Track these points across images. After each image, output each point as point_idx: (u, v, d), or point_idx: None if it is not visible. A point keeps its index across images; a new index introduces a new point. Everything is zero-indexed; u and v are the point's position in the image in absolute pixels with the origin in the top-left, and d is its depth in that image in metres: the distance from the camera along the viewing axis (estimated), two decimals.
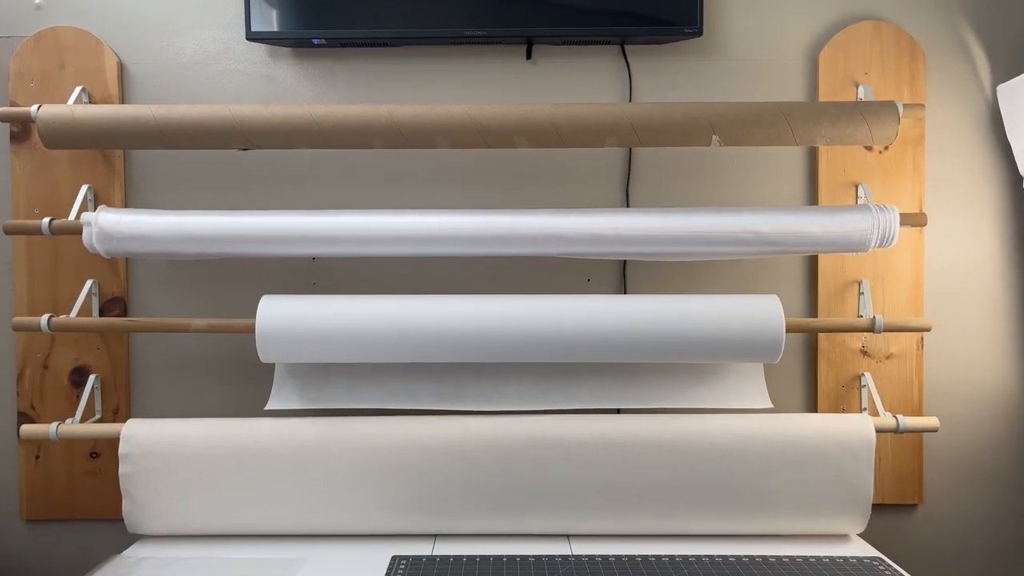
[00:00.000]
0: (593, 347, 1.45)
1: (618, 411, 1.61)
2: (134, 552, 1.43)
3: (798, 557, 1.39)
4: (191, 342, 1.64)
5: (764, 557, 1.39)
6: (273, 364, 1.57)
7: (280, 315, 1.44)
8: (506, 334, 1.44)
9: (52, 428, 1.47)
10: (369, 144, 1.48)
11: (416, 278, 1.65)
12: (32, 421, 1.60)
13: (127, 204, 1.63)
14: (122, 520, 1.60)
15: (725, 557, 1.39)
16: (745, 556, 1.40)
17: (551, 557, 1.39)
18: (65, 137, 1.47)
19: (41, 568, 1.63)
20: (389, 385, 1.55)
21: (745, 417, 1.49)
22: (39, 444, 1.61)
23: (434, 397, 1.54)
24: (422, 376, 1.55)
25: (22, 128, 1.60)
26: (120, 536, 1.62)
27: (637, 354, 1.46)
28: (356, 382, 1.54)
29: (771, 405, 1.54)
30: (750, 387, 1.56)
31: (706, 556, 1.40)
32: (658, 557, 1.39)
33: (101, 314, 1.61)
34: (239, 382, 1.63)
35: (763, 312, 1.45)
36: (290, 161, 1.63)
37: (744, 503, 1.47)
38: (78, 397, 1.60)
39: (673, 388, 1.55)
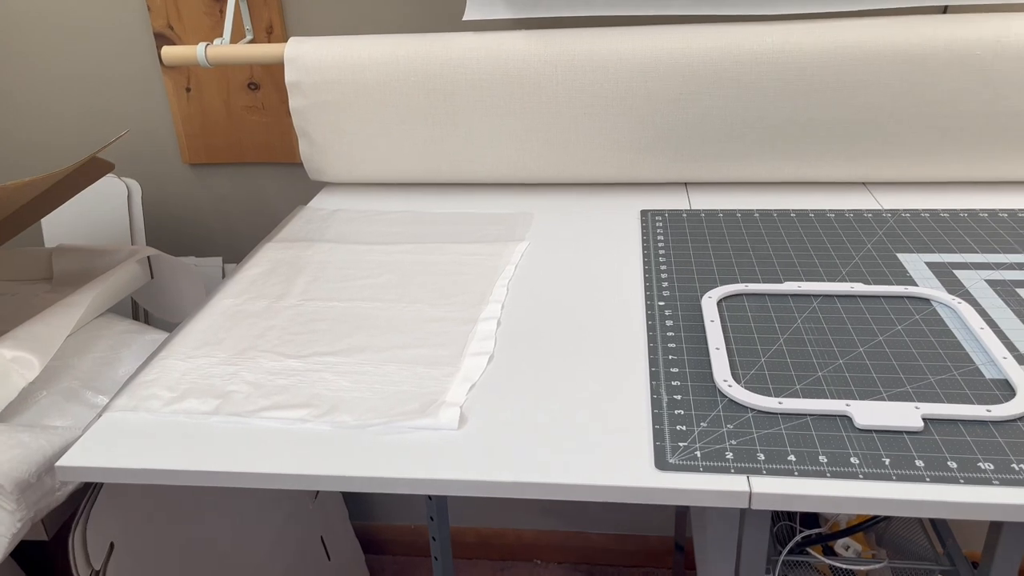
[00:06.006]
0: None
1: (944, 9, 1.14)
2: (322, 203, 1.17)
3: None
4: None
5: None
6: None
7: None
8: None
9: (200, 50, 1.15)
10: None
11: None
12: (172, 43, 1.29)
13: None
14: (300, 164, 1.35)
15: None
16: None
17: (858, 212, 1.04)
18: None
19: (215, 219, 1.43)
20: None
21: None
22: (187, 73, 1.32)
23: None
24: None
25: None
26: (302, 184, 1.38)
27: None
28: None
29: None
30: None
31: None
32: (1013, 212, 1.02)
33: None
34: None
35: None
36: None
37: None
38: (221, 12, 1.26)
39: None
